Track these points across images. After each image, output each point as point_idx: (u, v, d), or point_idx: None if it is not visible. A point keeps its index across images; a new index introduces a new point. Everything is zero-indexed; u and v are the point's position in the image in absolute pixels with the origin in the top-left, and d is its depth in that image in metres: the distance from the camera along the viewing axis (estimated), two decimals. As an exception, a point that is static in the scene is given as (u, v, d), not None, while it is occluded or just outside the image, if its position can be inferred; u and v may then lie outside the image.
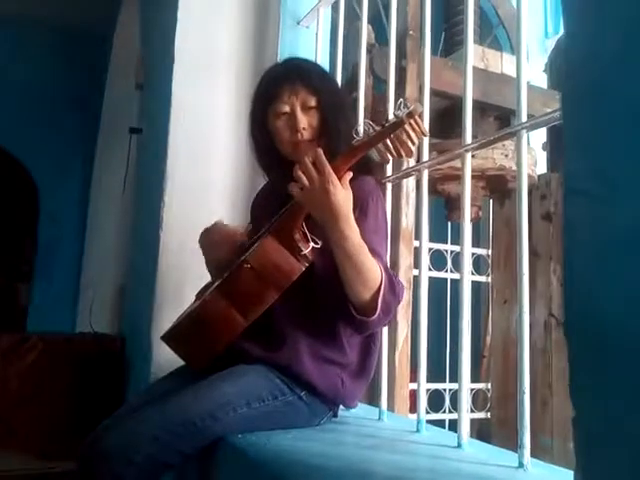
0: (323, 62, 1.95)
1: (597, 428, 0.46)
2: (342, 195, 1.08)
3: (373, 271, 1.11)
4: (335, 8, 1.98)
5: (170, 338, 1.27)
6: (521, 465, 1.01)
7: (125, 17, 3.64)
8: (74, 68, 4.71)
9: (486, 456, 1.10)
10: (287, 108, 1.30)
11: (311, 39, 2.04)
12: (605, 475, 0.45)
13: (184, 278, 1.81)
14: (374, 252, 1.14)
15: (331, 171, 1.08)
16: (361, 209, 1.20)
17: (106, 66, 4.16)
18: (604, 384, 0.46)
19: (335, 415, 1.36)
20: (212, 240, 1.35)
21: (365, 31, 1.73)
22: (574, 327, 0.49)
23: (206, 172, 1.96)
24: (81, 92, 4.66)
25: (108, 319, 3.41)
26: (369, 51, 2.31)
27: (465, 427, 1.16)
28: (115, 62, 4.00)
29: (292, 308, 1.24)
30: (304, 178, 1.10)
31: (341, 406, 1.37)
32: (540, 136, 2.94)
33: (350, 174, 1.12)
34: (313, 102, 1.30)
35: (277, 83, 1.32)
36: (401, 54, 2.32)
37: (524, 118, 1.09)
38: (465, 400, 1.16)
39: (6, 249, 6.21)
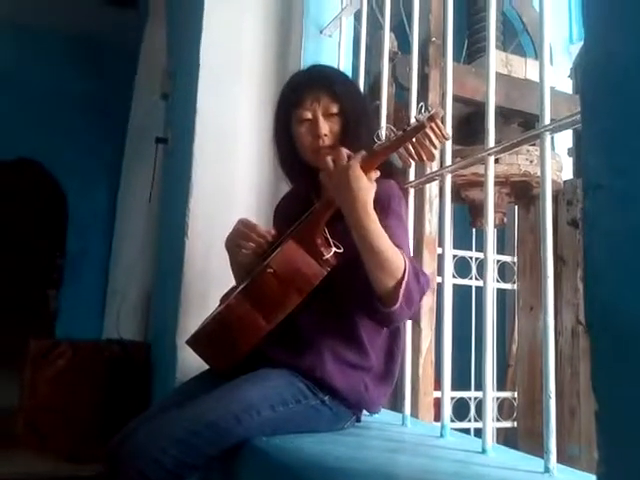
0: (346, 70, 1.96)
1: (619, 421, 0.46)
2: (362, 183, 1.11)
3: (394, 259, 1.10)
4: (357, 17, 2.00)
5: (195, 342, 1.29)
6: (547, 470, 1.00)
7: (152, 28, 3.70)
8: (101, 79, 4.82)
9: (511, 461, 1.09)
10: (309, 114, 1.31)
11: (334, 48, 2.06)
12: (627, 467, 0.44)
13: (209, 284, 1.83)
14: (397, 246, 1.14)
15: (357, 162, 1.12)
16: (382, 208, 1.20)
17: (133, 77, 4.24)
18: (626, 377, 0.46)
19: (358, 420, 1.36)
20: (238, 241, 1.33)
21: (388, 39, 1.74)
22: (596, 322, 0.49)
23: (230, 180, 1.99)
24: (108, 103, 4.76)
25: (135, 326, 3.45)
26: (391, 59, 2.32)
27: (489, 432, 1.15)
28: (142, 72, 4.07)
29: (315, 312, 1.25)
30: (331, 162, 1.14)
31: (364, 411, 1.37)
32: (566, 142, 2.91)
33: (377, 172, 1.14)
34: (335, 109, 1.31)
35: (300, 89, 1.34)
36: (424, 61, 2.32)
37: (547, 120, 1.09)
38: (489, 404, 1.16)
39: (37, 257, 6.35)
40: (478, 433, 1.19)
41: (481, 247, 1.31)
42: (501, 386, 3.01)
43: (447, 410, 1.31)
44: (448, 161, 1.38)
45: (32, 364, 2.30)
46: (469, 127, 2.54)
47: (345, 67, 2.01)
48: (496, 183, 1.82)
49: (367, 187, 1.11)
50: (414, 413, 1.92)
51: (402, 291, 1.09)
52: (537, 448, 1.09)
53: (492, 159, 1.24)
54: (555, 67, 3.08)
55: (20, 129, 4.71)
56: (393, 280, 1.10)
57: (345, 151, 1.15)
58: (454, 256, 2.77)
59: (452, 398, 2.61)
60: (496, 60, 1.41)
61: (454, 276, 2.70)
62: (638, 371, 0.45)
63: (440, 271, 2.01)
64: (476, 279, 2.90)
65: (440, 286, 1.41)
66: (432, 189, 2.27)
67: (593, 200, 0.49)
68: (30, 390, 2.29)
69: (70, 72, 4.89)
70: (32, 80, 4.80)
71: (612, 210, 0.48)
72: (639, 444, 0.44)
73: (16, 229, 6.47)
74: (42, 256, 6.27)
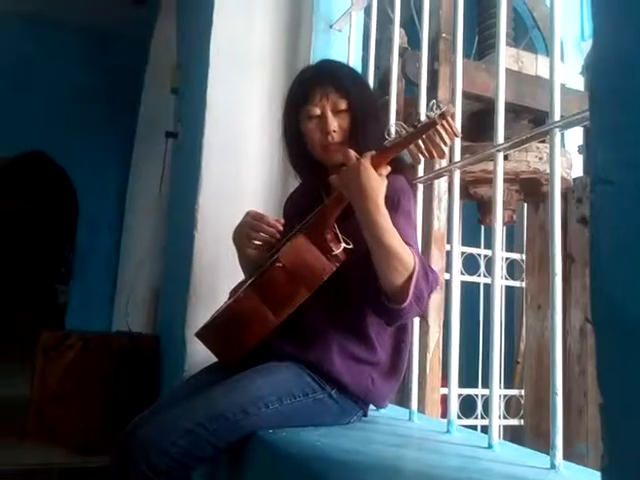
0: (355, 65, 1.96)
1: (624, 414, 0.46)
2: (373, 179, 1.12)
3: (404, 256, 1.10)
4: (367, 12, 1.99)
5: (204, 335, 1.30)
6: (553, 466, 1.00)
7: (162, 22, 3.71)
8: (112, 73, 4.83)
9: (517, 457, 1.09)
10: (318, 111, 1.31)
11: (344, 42, 2.06)
12: (632, 460, 0.45)
13: (218, 277, 1.84)
14: (406, 243, 1.14)
15: (368, 158, 1.13)
16: (392, 204, 1.20)
17: (143, 71, 4.25)
18: (631, 371, 0.46)
19: (365, 414, 1.36)
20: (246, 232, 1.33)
21: (397, 35, 1.74)
22: (601, 316, 0.49)
23: (239, 174, 1.99)
24: (119, 97, 4.77)
25: (143, 320, 3.48)
26: (401, 55, 2.32)
27: (496, 427, 1.15)
28: (152, 67, 4.09)
29: (323, 307, 1.26)
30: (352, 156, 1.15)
31: (371, 406, 1.37)
32: (576, 139, 2.90)
33: (388, 168, 1.15)
34: (344, 105, 1.31)
35: (309, 85, 1.34)
36: (433, 57, 2.32)
37: (557, 116, 1.08)
38: (496, 396, 1.16)
39: (47, 251, 6.40)
40: (485, 430, 1.19)
41: (490, 244, 1.31)
42: (509, 384, 3.00)
43: (454, 406, 1.31)
44: (457, 157, 1.38)
45: (43, 355, 2.32)
46: (478, 123, 2.53)
47: (355, 62, 2.01)
48: (505, 180, 1.81)
49: (378, 183, 1.12)
50: (421, 409, 1.93)
51: (412, 288, 1.09)
52: (544, 446, 1.09)
53: (501, 155, 1.24)
54: (567, 64, 3.07)
55: (31, 123, 4.74)
56: (402, 277, 1.10)
57: (352, 152, 1.16)
58: (462, 253, 2.77)
59: (459, 395, 2.61)
60: (507, 56, 1.41)
61: (462, 273, 2.69)
62: (643, 365, 0.46)
63: (448, 268, 2.01)
64: (484, 276, 2.89)
65: (448, 283, 1.41)
66: (441, 185, 2.27)
67: (600, 195, 0.50)
68: (40, 381, 2.32)
69: (81, 66, 4.91)
70: (43, 74, 4.83)
71: (619, 205, 0.48)
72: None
73: (26, 223, 6.51)
74: (52, 250, 6.31)
